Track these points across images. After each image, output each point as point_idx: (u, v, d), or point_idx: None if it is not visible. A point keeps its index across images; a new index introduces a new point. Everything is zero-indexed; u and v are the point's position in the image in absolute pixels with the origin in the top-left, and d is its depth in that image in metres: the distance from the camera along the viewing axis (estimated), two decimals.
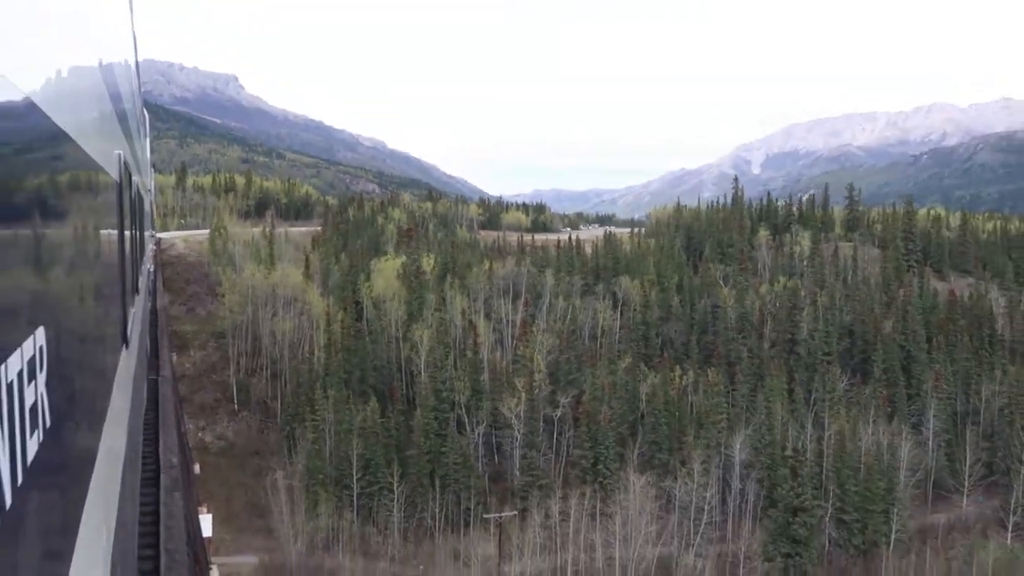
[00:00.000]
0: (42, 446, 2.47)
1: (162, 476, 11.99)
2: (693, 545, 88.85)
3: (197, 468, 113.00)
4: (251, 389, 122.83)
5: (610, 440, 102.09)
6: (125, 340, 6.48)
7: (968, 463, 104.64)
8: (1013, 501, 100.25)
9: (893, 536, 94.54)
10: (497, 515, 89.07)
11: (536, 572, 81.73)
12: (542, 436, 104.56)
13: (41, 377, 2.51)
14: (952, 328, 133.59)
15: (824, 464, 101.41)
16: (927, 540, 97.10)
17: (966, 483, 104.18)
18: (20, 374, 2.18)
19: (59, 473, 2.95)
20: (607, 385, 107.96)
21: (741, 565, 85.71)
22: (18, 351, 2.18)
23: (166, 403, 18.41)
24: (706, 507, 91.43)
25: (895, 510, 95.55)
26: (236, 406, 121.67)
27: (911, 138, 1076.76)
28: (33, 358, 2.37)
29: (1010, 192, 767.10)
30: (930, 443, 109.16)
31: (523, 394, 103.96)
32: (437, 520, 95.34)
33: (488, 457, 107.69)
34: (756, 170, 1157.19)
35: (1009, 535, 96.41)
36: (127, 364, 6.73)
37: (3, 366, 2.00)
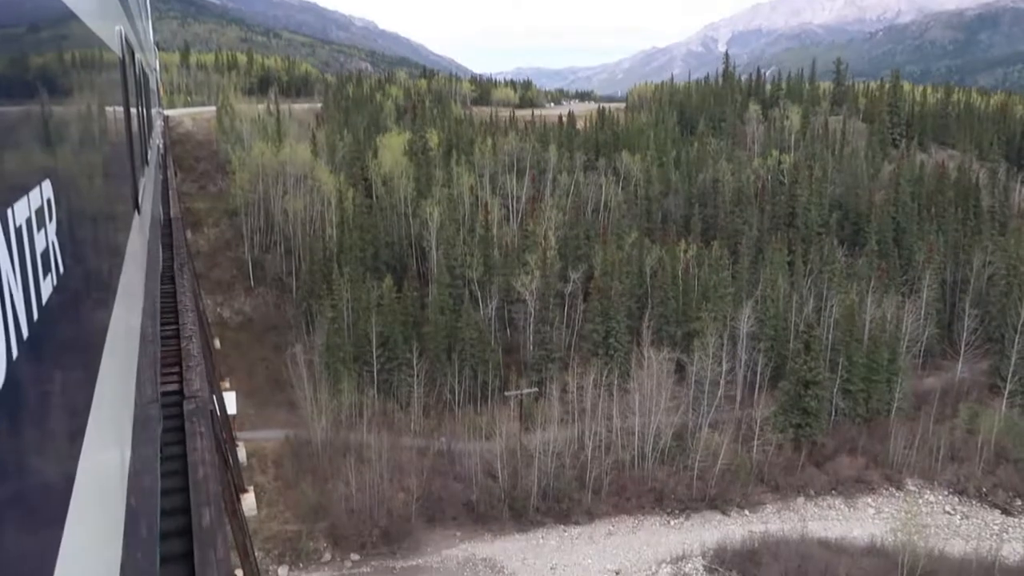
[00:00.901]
0: (56, 289, 2.46)
1: (183, 348, 10.94)
2: (707, 415, 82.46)
3: (217, 343, 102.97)
4: (266, 266, 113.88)
5: (620, 315, 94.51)
6: (137, 206, 6.12)
7: (966, 331, 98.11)
8: (1010, 368, 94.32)
9: (895, 405, 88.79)
10: (517, 391, 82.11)
11: (556, 442, 75.20)
12: (554, 311, 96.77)
13: (51, 226, 2.49)
14: (941, 199, 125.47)
15: (827, 336, 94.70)
16: (921, 406, 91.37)
17: (961, 351, 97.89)
18: (28, 221, 2.16)
19: (74, 319, 2.87)
20: (617, 260, 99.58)
21: (756, 438, 79.58)
22: (24, 198, 2.15)
23: (182, 276, 17.27)
24: (721, 381, 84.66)
25: (899, 380, 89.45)
26: (252, 282, 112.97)
27: (868, 16, 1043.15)
28: (41, 208, 2.37)
29: (957, 67, 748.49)
30: (922, 312, 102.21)
31: (536, 271, 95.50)
32: (456, 395, 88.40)
33: (502, 332, 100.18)
34: (722, 48, 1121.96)
35: (1004, 402, 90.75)
36: (140, 229, 6.45)
37: (10, 210, 1.98)
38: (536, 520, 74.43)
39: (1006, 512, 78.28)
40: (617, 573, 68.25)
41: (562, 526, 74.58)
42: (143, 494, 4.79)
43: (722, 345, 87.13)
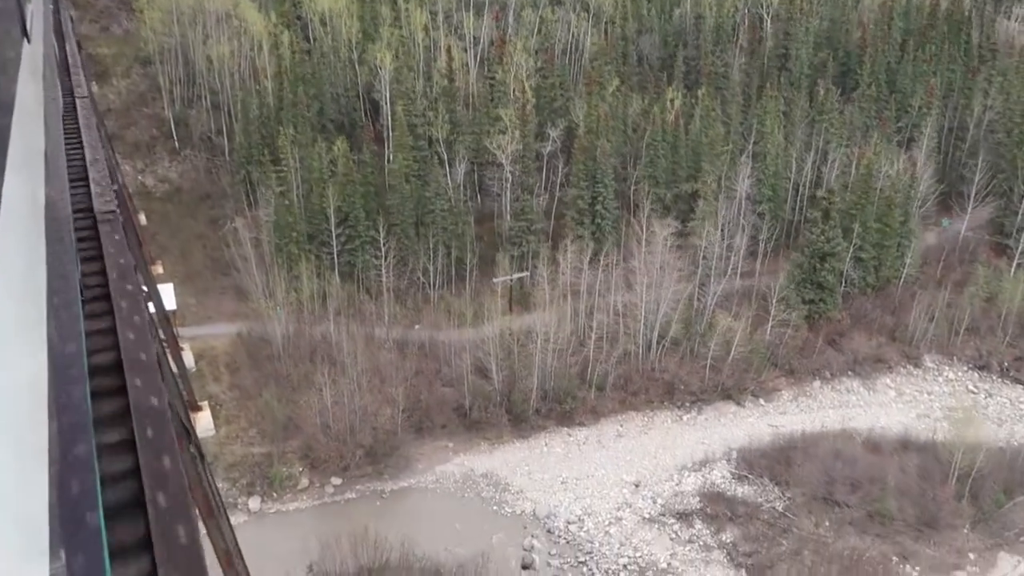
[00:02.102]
0: None
1: (100, 227, 9.16)
2: (714, 296, 72.95)
3: (143, 218, 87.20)
4: (191, 124, 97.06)
5: (608, 178, 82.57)
6: (25, 34, 5.42)
7: (975, 184, 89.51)
8: (1016, 224, 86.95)
9: (904, 272, 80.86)
10: (507, 278, 70.84)
11: (553, 335, 65.01)
12: (532, 175, 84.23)
13: None
14: (934, 35, 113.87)
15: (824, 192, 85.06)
16: (922, 266, 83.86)
17: (969, 206, 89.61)
18: None
19: None
20: (603, 114, 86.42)
21: (770, 319, 70.75)
22: None
23: (90, 132, 14.49)
24: (722, 251, 74.66)
25: (911, 244, 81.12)
26: (176, 144, 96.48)
27: None
28: None
29: None
30: (920, 163, 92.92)
31: (514, 130, 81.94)
32: (432, 277, 76.61)
33: (473, 201, 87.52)
34: None
35: (1014, 265, 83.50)
36: (32, 57, 5.78)
37: None
38: (537, 424, 65.28)
39: None
40: (636, 485, 60.15)
41: (566, 429, 65.70)
42: None
43: (721, 210, 76.61)
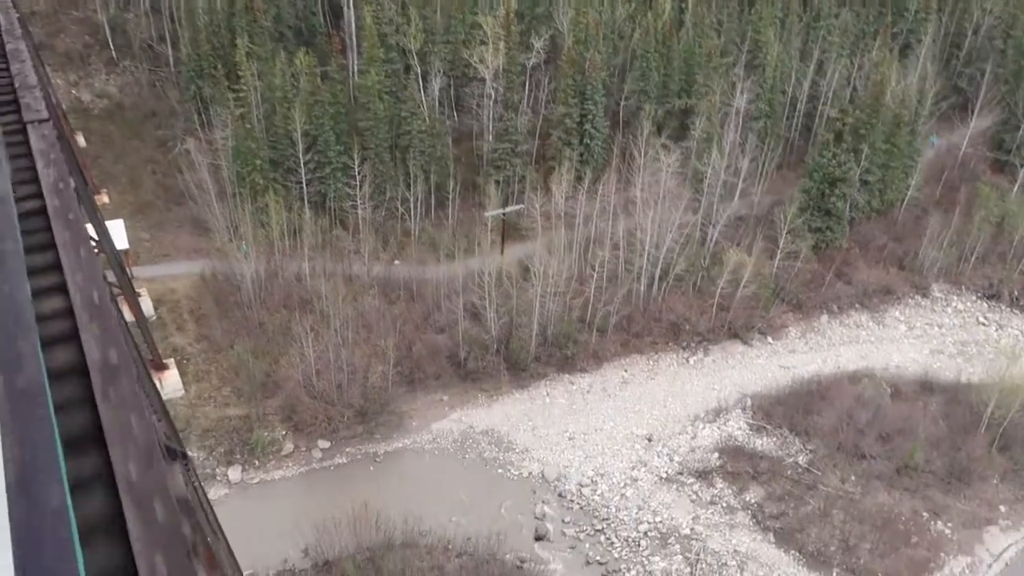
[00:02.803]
0: None
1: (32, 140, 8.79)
2: (717, 227, 67.59)
3: (81, 140, 77.99)
4: (129, 30, 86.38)
5: (598, 94, 75.36)
6: None
7: (981, 97, 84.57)
8: (1017, 140, 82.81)
9: (909, 194, 76.35)
10: (500, 211, 64.20)
11: (550, 274, 59.16)
12: (516, 91, 76.54)
13: None
14: None
15: (832, 110, 79.51)
16: (923, 187, 79.43)
17: (972, 119, 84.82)
18: None
19: None
20: (592, 22, 78.32)
21: (779, 250, 65.79)
22: None
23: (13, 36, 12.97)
24: (722, 173, 68.94)
25: (917, 164, 76.38)
26: (114, 53, 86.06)
27: None
28: None
29: None
30: (917, 72, 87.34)
31: (498, 40, 73.62)
32: (413, 208, 69.57)
33: (451, 119, 79.68)
34: None
35: (1017, 183, 79.54)
36: None
37: None
38: (537, 372, 60.12)
39: None
40: (649, 439, 55.81)
41: (567, 376, 60.72)
42: None
43: (720, 128, 70.53)
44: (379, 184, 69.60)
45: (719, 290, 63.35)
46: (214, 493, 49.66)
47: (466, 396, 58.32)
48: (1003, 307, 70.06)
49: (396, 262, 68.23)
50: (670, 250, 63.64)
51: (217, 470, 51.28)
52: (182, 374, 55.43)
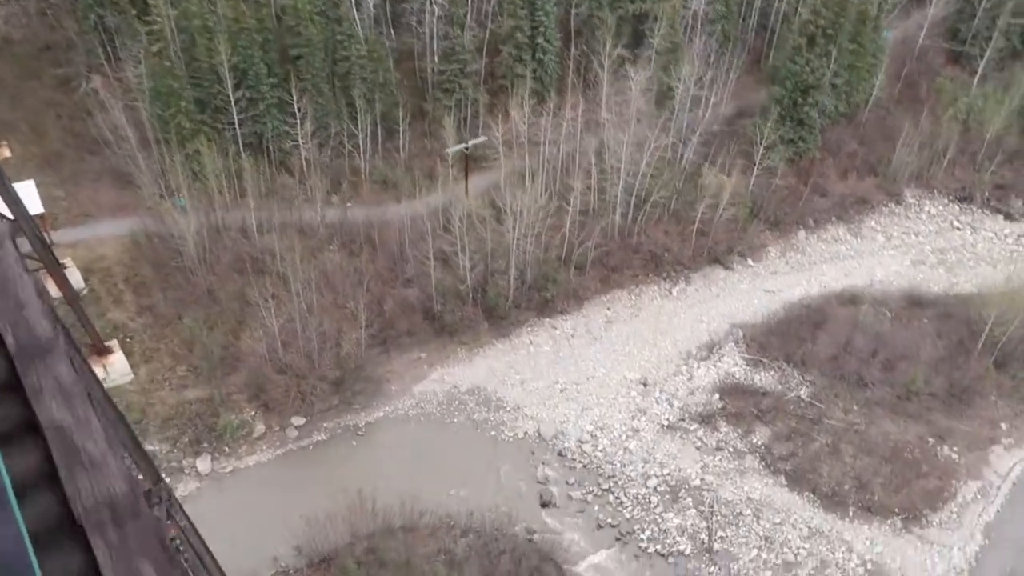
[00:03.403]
0: None
1: None
2: (691, 145, 63.44)
3: None
4: None
5: (549, 3, 69.05)
6: None
7: None
8: (972, 30, 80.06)
9: (874, 94, 73.32)
10: (463, 145, 58.49)
11: (523, 208, 54.45)
12: (462, 4, 69.54)
13: None
14: None
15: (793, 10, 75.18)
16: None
17: (931, 4, 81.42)
18: None
19: None
20: None
21: (756, 166, 62.23)
22: None
23: None
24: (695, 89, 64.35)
25: (881, 62, 73.06)
26: None
27: None
28: None
29: None
30: None
31: None
32: (361, 143, 63.24)
33: (388, 38, 72.34)
34: None
35: (977, 76, 77.14)
36: None
37: None
38: (516, 319, 56.10)
39: (1009, 217, 68.24)
40: (644, 384, 52.84)
41: (548, 320, 56.93)
42: None
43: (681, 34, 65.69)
44: (321, 119, 62.88)
45: (699, 215, 59.76)
46: (184, 488, 44.90)
47: (444, 352, 54.09)
48: (975, 209, 68.56)
49: (349, 204, 62.39)
50: (644, 175, 59.38)
51: (184, 462, 46.30)
52: (127, 355, 49.37)
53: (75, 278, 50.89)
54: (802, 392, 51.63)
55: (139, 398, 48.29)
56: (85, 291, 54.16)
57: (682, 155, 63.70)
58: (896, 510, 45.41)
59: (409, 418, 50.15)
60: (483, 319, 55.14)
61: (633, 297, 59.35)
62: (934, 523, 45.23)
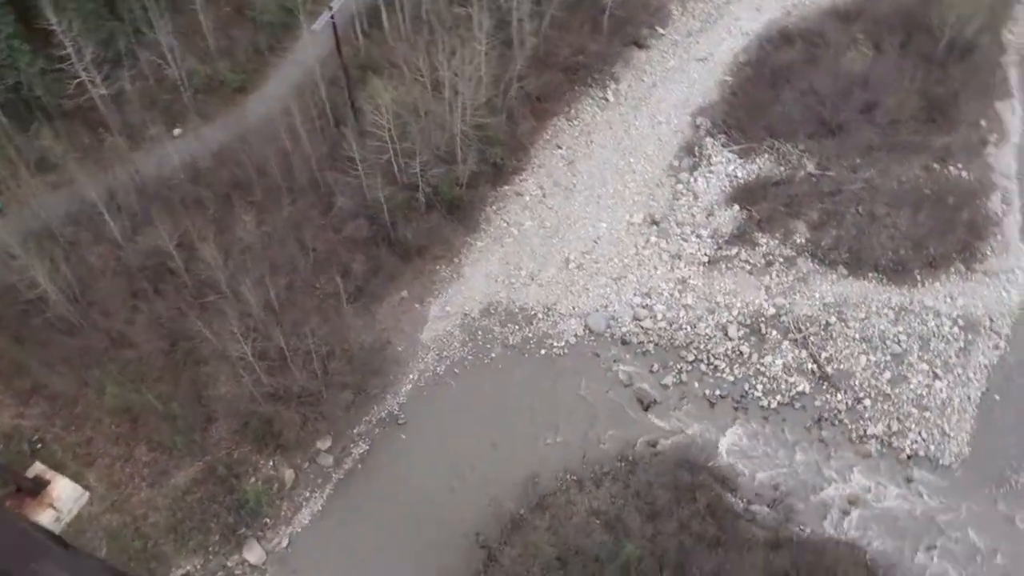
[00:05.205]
0: None
1: None
2: None
3: None
4: None
5: None
6: None
7: None
8: None
9: None
10: (329, 14, 43.27)
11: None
12: None
13: None
14: None
15: None
16: None
17: None
18: None
19: None
20: None
21: None
22: None
23: None
24: None
25: None
26: None
27: None
28: None
29: None
30: None
31: None
32: (176, 71, 45.86)
33: None
34: None
35: None
36: None
37: None
38: (478, 205, 46.16)
39: None
40: (655, 222, 46.04)
41: (508, 187, 47.78)
42: None
43: None
44: (104, 41, 44.41)
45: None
46: None
47: (426, 278, 43.86)
48: None
49: (177, 131, 46.61)
50: None
51: (230, 562, 35.30)
52: (59, 469, 36.06)
53: None
54: (808, 166, 47.41)
55: (116, 517, 35.41)
56: None
57: None
58: (953, 255, 44.19)
59: (440, 377, 40.87)
60: (446, 220, 44.68)
61: (574, 122, 50.69)
62: (988, 253, 44.65)
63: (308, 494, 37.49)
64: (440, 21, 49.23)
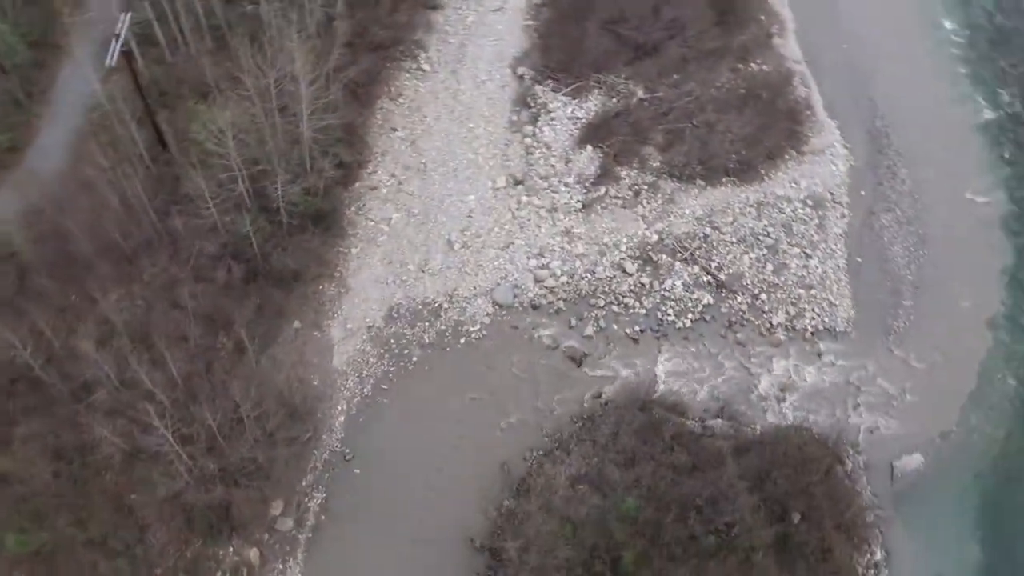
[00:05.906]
0: None
1: None
2: None
3: None
4: None
5: None
6: None
7: None
8: None
9: None
10: (120, 44, 37.32)
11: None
12: None
13: None
14: None
15: None
16: None
17: None
18: None
19: None
20: None
21: None
22: None
23: None
24: None
25: None
26: None
27: None
28: None
29: None
30: None
31: None
32: None
33: None
34: None
35: None
36: None
37: None
38: (338, 208, 42.96)
39: None
40: (518, 182, 45.32)
41: (359, 184, 44.81)
42: None
43: None
44: None
45: None
46: None
47: (314, 301, 40.44)
48: None
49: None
50: None
51: None
52: None
53: None
54: (637, 92, 48.69)
55: None
56: None
57: None
58: (783, 143, 47.68)
59: (370, 399, 38.07)
60: (314, 235, 41.26)
61: (399, 100, 48.59)
62: (809, 134, 48.56)
63: (281, 566, 33.99)
64: (230, 26, 44.55)
